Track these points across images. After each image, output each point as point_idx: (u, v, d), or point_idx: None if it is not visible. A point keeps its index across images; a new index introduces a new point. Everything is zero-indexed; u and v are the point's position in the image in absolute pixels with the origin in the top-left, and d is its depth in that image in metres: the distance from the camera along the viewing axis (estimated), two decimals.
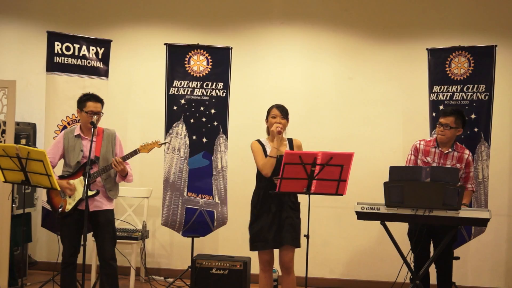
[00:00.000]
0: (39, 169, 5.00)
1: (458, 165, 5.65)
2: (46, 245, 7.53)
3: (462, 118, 5.70)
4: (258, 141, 5.47)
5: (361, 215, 5.42)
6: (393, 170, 5.39)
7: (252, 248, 5.38)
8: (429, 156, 5.74)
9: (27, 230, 7.03)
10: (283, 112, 5.37)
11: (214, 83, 6.78)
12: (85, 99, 5.49)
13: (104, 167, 5.39)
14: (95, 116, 5.40)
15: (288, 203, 5.28)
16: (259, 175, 5.42)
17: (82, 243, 5.08)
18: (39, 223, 7.00)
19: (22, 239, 5.83)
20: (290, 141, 5.47)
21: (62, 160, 5.58)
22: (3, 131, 6.39)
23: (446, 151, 5.70)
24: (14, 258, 6.62)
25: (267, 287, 5.45)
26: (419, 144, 5.82)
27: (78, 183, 5.37)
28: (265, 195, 5.30)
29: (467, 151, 5.74)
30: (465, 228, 6.27)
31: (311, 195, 5.04)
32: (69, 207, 5.35)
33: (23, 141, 6.82)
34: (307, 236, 5.06)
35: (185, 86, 6.78)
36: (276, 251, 5.39)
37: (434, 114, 6.41)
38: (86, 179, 5.08)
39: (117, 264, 5.55)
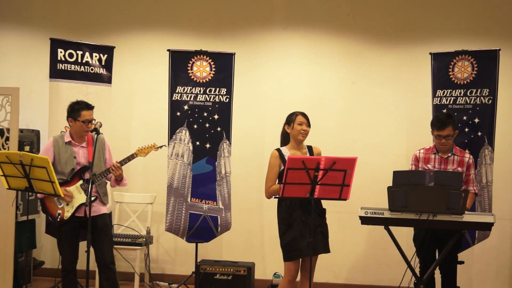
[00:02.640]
0: (42, 176, 5.00)
1: (459, 169, 5.64)
2: (50, 251, 7.54)
3: (455, 121, 5.71)
4: (278, 150, 5.39)
5: (365, 220, 5.41)
6: (397, 174, 5.39)
7: (288, 258, 5.26)
8: (429, 163, 5.74)
9: (31, 237, 7.04)
10: (307, 118, 5.40)
11: (217, 89, 6.79)
12: (78, 108, 5.46)
13: (103, 172, 5.40)
14: (90, 124, 5.41)
15: (316, 210, 5.24)
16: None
17: (86, 249, 5.07)
18: (43, 230, 7.00)
19: (26, 245, 5.83)
20: (310, 148, 5.46)
21: None
22: (7, 138, 6.40)
23: (446, 156, 5.69)
24: (18, 265, 6.63)
25: None
26: (419, 153, 5.83)
27: (75, 190, 5.37)
28: (292, 204, 5.25)
29: (467, 154, 5.74)
30: (469, 233, 6.26)
31: None
32: (67, 214, 5.34)
33: (27, 148, 6.83)
34: (311, 241, 5.05)
35: (188, 92, 6.79)
36: None
37: None
38: (90, 184, 5.08)
39: (115, 268, 5.55)
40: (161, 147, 5.58)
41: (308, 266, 5.24)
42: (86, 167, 5.37)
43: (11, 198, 6.16)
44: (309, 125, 5.39)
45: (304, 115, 5.41)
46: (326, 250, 5.34)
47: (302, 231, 5.20)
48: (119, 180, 5.50)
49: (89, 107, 5.51)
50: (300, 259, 5.32)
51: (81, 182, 5.39)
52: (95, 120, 5.52)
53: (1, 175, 5.20)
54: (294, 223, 5.23)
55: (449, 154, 5.69)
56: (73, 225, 5.39)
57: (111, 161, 5.57)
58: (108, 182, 5.67)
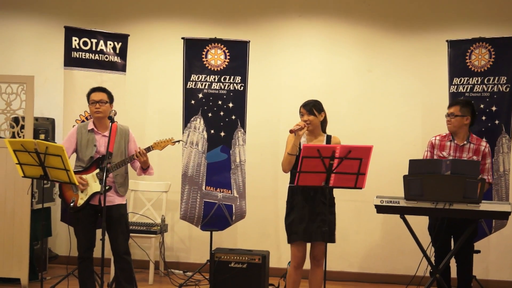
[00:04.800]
0: (57, 164, 5.00)
1: (474, 157, 5.59)
2: (65, 239, 7.50)
3: (469, 107, 5.67)
4: None
5: (381, 209, 5.39)
6: (413, 163, 5.36)
7: (289, 240, 5.35)
8: (444, 150, 5.69)
9: (47, 225, 7.08)
10: (307, 108, 5.30)
11: (232, 77, 6.76)
12: (89, 93, 5.54)
13: (120, 161, 5.38)
14: (98, 105, 5.40)
15: (320, 198, 5.21)
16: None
17: (101, 237, 5.08)
18: (59, 218, 7.03)
19: (41, 233, 5.85)
20: (329, 138, 5.38)
21: (74, 155, 5.58)
22: (22, 127, 6.42)
23: (462, 144, 5.64)
24: (34, 252, 6.67)
25: (296, 284, 5.42)
26: (435, 139, 5.79)
27: (91, 178, 5.36)
28: (298, 188, 5.23)
29: (483, 143, 5.69)
30: (486, 222, 6.21)
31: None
32: (81, 202, 5.34)
33: (42, 136, 6.85)
34: (326, 230, 5.03)
35: (202, 80, 6.77)
36: (308, 245, 5.36)
37: None
38: (104, 174, 5.08)
39: (131, 258, 5.54)
40: (178, 141, 5.55)
41: (317, 254, 5.31)
42: (105, 156, 5.36)
43: (27, 186, 6.19)
44: (311, 114, 5.28)
45: (305, 105, 5.33)
46: (326, 239, 5.14)
47: (301, 215, 5.23)
48: (145, 169, 5.48)
49: (98, 89, 5.54)
50: (310, 246, 5.34)
51: (97, 170, 5.38)
52: (108, 102, 5.51)
53: (16, 163, 5.20)
54: (296, 207, 5.27)
55: (465, 142, 5.65)
56: (89, 212, 5.39)
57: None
58: (128, 174, 5.64)
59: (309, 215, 5.22)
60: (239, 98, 6.76)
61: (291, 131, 5.13)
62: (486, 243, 6.68)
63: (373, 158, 4.90)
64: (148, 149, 5.39)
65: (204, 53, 6.79)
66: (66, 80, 6.84)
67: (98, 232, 5.47)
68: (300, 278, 5.44)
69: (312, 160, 4.79)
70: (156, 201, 7.24)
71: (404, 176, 5.25)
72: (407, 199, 5.25)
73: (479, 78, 6.32)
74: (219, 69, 6.78)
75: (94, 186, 5.34)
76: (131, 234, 6.46)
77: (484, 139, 5.79)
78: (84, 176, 5.36)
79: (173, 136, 5.58)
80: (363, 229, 7.25)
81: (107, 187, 5.28)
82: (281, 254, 7.22)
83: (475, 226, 5.42)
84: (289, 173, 5.35)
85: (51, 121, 7.29)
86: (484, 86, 6.29)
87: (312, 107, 5.30)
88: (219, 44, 6.80)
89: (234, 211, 6.72)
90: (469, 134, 5.68)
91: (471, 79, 6.34)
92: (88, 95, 5.53)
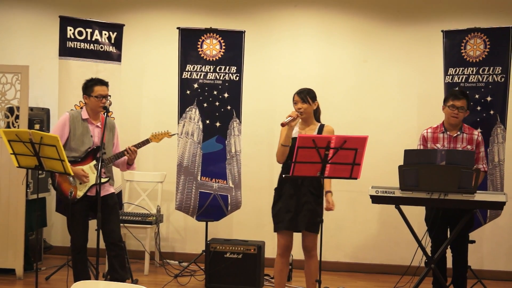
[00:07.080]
0: (52, 154, 4.99)
1: (469, 147, 5.59)
2: (61, 230, 7.56)
3: (469, 100, 5.70)
4: None
5: (376, 199, 5.40)
6: (408, 153, 5.36)
7: (275, 228, 5.33)
8: (438, 142, 5.68)
9: (42, 215, 7.06)
10: (301, 96, 5.28)
11: (227, 67, 6.75)
12: (91, 84, 5.46)
13: (115, 155, 5.40)
14: (104, 99, 5.39)
15: (309, 188, 5.21)
16: None
17: (96, 228, 5.08)
18: (54, 208, 7.02)
19: (36, 223, 5.85)
20: (321, 127, 5.35)
21: None
22: (17, 117, 6.41)
23: (455, 135, 5.64)
24: (29, 243, 6.66)
25: (282, 273, 5.40)
26: (426, 132, 5.77)
27: (88, 169, 5.36)
28: (287, 177, 5.23)
29: (476, 132, 5.69)
30: (481, 212, 6.22)
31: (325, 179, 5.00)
32: (80, 194, 5.34)
33: (37, 126, 6.83)
34: (321, 221, 5.03)
35: (198, 70, 6.75)
36: (297, 235, 5.34)
37: None
38: (100, 165, 5.07)
39: (124, 245, 5.58)
40: (174, 134, 5.62)
41: (308, 244, 5.29)
42: (99, 148, 5.35)
43: (21, 176, 6.17)
44: (305, 102, 5.25)
45: (299, 93, 5.30)
46: (311, 229, 5.20)
47: (288, 205, 5.21)
48: (130, 164, 5.52)
49: (102, 82, 5.49)
50: (301, 238, 5.31)
51: (94, 162, 5.38)
52: (110, 96, 5.50)
53: (11, 153, 5.19)
54: (283, 196, 5.25)
55: (458, 133, 5.64)
56: (84, 204, 5.39)
57: (117, 148, 5.58)
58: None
59: (296, 204, 5.20)
60: (235, 88, 6.74)
61: (282, 125, 5.12)
62: (481, 233, 6.69)
63: (369, 148, 4.90)
64: (147, 141, 5.44)
65: (199, 43, 6.77)
66: (61, 70, 6.82)
67: (91, 223, 5.52)
68: (286, 267, 5.44)
69: (307, 151, 4.78)
70: (152, 192, 7.24)
71: (400, 166, 5.25)
72: (402, 189, 5.26)
73: (474, 68, 6.32)
74: (214, 59, 6.77)
75: (93, 177, 5.33)
76: (126, 225, 6.52)
77: (478, 129, 5.80)
78: (84, 168, 5.36)
79: (168, 127, 5.64)
80: (358, 219, 7.26)
81: (106, 179, 5.33)
82: (276, 245, 7.21)
83: (471, 216, 5.43)
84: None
85: (46, 111, 7.27)
86: (479, 76, 6.29)
87: (306, 95, 5.27)
88: (215, 34, 6.78)
89: (229, 202, 6.72)
90: (461, 125, 5.68)
91: (466, 69, 6.34)
92: (92, 86, 5.44)
